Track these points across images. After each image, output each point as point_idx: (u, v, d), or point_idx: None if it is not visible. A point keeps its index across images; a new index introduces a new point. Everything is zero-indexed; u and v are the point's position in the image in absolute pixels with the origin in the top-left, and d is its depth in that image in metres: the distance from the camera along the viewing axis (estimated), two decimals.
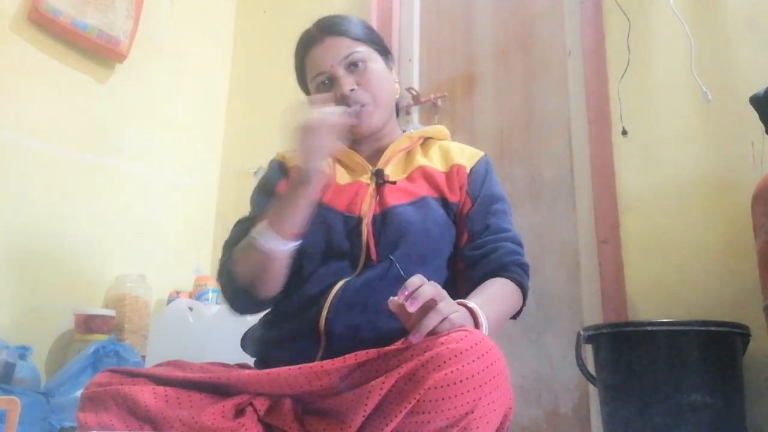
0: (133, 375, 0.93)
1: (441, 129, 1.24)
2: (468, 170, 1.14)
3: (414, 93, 2.44)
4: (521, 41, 2.29)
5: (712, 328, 1.42)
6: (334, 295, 0.99)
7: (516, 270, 1.05)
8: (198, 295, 2.28)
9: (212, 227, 2.70)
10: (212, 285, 2.31)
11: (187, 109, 2.69)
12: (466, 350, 0.75)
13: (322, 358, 0.93)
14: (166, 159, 2.57)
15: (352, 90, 1.09)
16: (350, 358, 0.81)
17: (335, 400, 0.81)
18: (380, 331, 0.95)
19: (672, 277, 1.70)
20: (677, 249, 1.72)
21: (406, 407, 0.74)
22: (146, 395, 0.86)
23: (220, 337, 1.77)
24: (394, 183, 1.10)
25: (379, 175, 1.11)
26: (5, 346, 1.76)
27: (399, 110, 1.28)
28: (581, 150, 2.01)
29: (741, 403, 1.43)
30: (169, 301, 2.27)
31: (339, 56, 1.11)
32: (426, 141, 1.22)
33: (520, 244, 1.10)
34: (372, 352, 0.81)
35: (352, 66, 1.12)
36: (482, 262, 1.05)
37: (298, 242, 1.01)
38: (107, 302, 2.23)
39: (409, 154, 1.18)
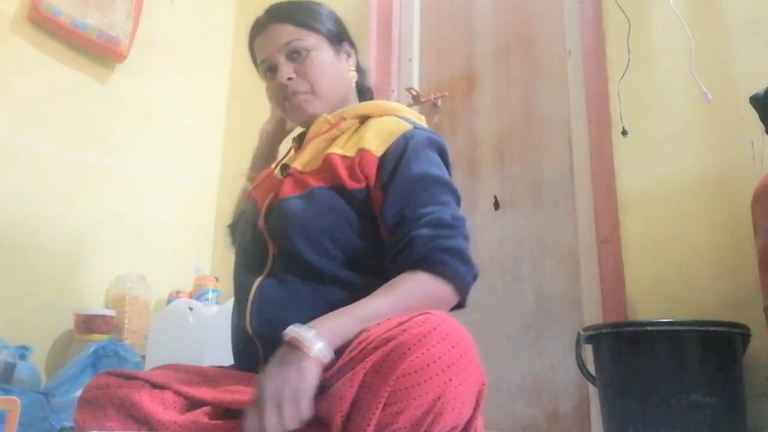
0: (130, 378, 0.93)
1: (377, 104, 1.14)
2: (378, 156, 1.01)
3: (414, 93, 2.44)
4: (521, 41, 2.29)
5: (712, 328, 1.42)
6: (252, 300, 0.99)
7: (435, 258, 0.90)
8: (198, 295, 2.28)
9: (212, 227, 2.70)
10: (212, 285, 2.31)
11: (187, 109, 2.69)
12: (429, 333, 0.74)
13: (265, 362, 0.88)
14: (166, 159, 2.57)
15: (289, 78, 1.08)
16: (327, 375, 0.79)
17: (314, 405, 0.78)
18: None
19: (672, 277, 1.70)
20: (677, 249, 1.72)
21: (381, 401, 0.73)
22: (144, 398, 0.86)
23: (220, 337, 1.76)
24: (290, 176, 1.06)
25: (283, 168, 1.10)
26: (5, 346, 1.76)
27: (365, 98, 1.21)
28: (581, 150, 2.01)
29: (741, 403, 1.43)
30: (169, 301, 2.27)
31: (279, 43, 1.10)
32: (367, 121, 1.09)
33: (442, 224, 0.93)
34: (343, 361, 0.78)
35: (294, 54, 1.10)
36: (398, 260, 0.94)
37: None
38: (107, 302, 2.23)
39: (336, 139, 1.08)
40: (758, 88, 1.44)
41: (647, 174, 1.81)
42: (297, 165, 1.08)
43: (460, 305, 0.95)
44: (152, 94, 2.55)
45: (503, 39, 2.34)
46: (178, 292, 2.34)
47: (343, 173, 1.01)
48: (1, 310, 1.94)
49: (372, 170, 1.00)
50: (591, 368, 1.58)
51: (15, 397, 1.30)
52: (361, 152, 1.01)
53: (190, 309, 2.02)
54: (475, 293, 0.97)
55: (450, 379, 0.73)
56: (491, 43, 2.37)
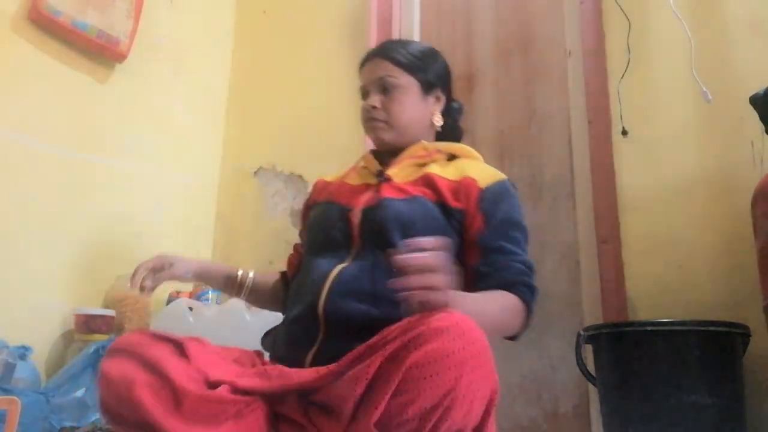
0: (163, 339, 0.99)
1: (467, 148, 1.28)
2: (482, 186, 1.16)
3: None
4: (521, 41, 2.29)
5: (712, 328, 1.42)
6: (331, 282, 1.05)
7: (523, 289, 1.06)
8: (198, 295, 2.28)
9: (212, 227, 2.69)
10: None
11: (187, 109, 2.69)
12: (447, 328, 0.77)
13: (323, 342, 1.01)
14: (166, 159, 2.57)
15: (373, 107, 1.23)
16: (344, 361, 0.84)
17: (331, 390, 0.84)
18: (375, 317, 0.98)
19: (672, 277, 1.70)
20: (677, 249, 1.72)
21: (390, 389, 0.75)
22: (171, 366, 0.91)
23: (220, 337, 1.77)
24: (389, 180, 1.18)
25: (380, 174, 1.21)
26: (5, 346, 1.76)
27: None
28: (581, 150, 2.02)
29: (741, 403, 1.43)
30: (169, 301, 2.27)
31: (374, 76, 1.25)
32: (452, 158, 1.25)
33: (531, 269, 1.11)
34: (361, 348, 0.83)
35: (385, 89, 1.24)
36: (492, 277, 1.07)
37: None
38: (107, 302, 2.23)
39: (424, 165, 1.22)
40: (758, 88, 1.44)
41: (647, 174, 1.81)
42: (392, 175, 1.20)
43: (514, 337, 1.08)
44: (152, 94, 2.55)
45: (503, 39, 2.34)
46: (178, 292, 2.33)
47: (447, 193, 1.14)
48: (1, 310, 1.94)
49: (473, 196, 1.14)
50: (591, 368, 1.59)
51: (15, 397, 1.31)
52: (468, 179, 1.16)
53: (190, 309, 2.01)
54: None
55: (461, 376, 0.75)
56: (491, 43, 2.37)
